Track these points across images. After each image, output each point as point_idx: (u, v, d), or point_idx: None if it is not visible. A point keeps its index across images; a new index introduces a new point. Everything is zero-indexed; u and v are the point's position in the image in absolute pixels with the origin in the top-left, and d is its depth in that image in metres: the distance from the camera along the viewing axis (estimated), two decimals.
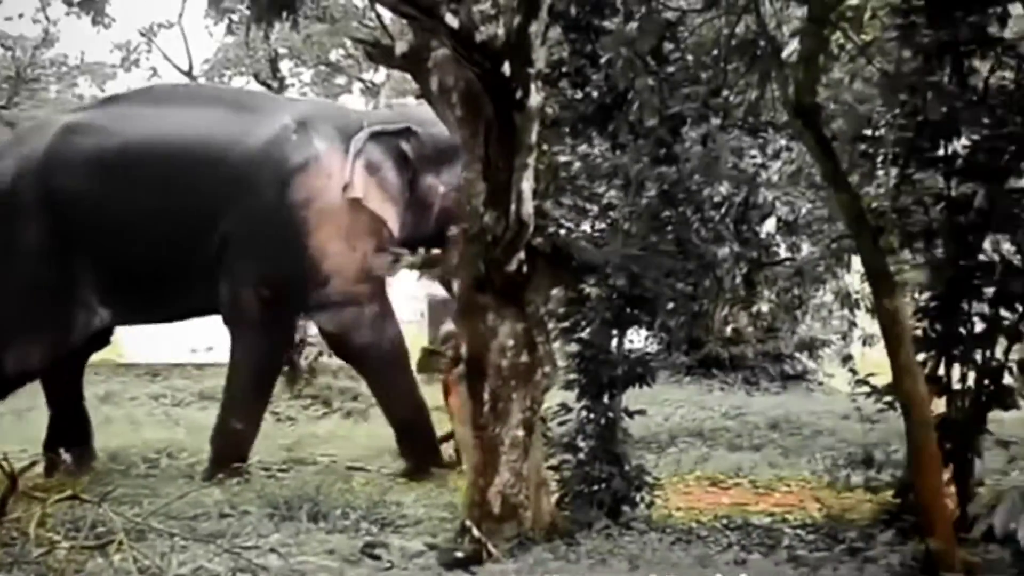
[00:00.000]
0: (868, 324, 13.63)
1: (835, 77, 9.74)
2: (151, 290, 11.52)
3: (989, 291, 8.45)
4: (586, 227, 8.92)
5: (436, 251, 9.73)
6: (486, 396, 7.46)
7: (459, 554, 7.52)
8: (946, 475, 8.38)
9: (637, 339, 15.76)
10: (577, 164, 8.03)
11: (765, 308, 17.93)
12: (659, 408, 15.40)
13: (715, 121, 8.71)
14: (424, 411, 11.91)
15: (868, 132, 9.04)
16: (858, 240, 7.66)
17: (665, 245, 8.48)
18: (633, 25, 7.46)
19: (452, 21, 6.40)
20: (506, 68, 6.59)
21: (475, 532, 7.44)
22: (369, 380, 12.38)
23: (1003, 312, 8.43)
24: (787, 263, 14.90)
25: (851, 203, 7.49)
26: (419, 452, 11.83)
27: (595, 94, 8.55)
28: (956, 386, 8.68)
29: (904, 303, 8.01)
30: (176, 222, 11.24)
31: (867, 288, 9.59)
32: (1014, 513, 4.98)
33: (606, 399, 9.22)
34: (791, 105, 7.38)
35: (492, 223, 7.01)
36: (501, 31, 6.65)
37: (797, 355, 19.71)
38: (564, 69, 8.71)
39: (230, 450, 11.39)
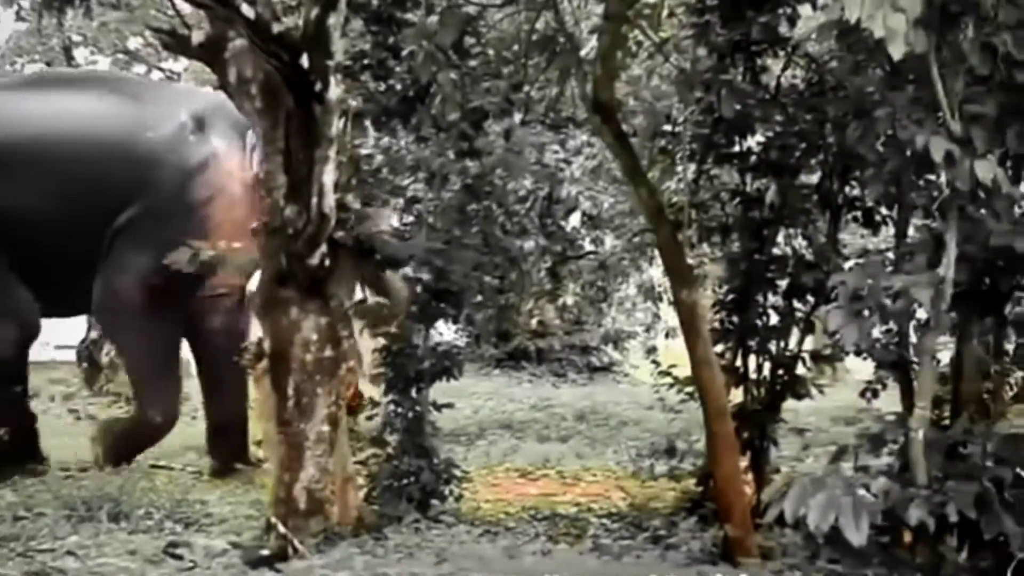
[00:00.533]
0: (672, 317, 13.94)
1: (635, 74, 9.93)
2: (64, 282, 11.31)
3: (783, 284, 8.73)
4: (394, 221, 8.87)
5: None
6: (290, 391, 7.31)
7: (264, 551, 7.36)
8: (744, 463, 8.64)
9: (447, 332, 15.76)
10: (380, 157, 7.94)
11: (571, 301, 18.21)
12: (468, 401, 15.45)
13: (517, 116, 8.74)
14: (244, 411, 11.74)
15: (667, 128, 9.24)
16: (657, 234, 7.80)
17: (470, 239, 8.48)
18: (434, 19, 7.42)
19: (248, 11, 6.25)
20: (304, 60, 6.47)
21: (280, 528, 7.30)
22: (207, 375, 12.15)
23: (796, 304, 8.71)
24: (591, 256, 15.16)
25: (650, 198, 7.62)
26: (227, 450, 11.63)
27: (398, 87, 8.49)
28: (752, 376, 8.94)
29: (702, 296, 8.20)
30: (80, 214, 10.98)
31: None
32: (803, 499, 5.13)
33: (413, 393, 9.19)
34: (589, 101, 7.46)
35: (293, 216, 6.88)
36: (300, 22, 6.52)
37: (603, 347, 20.05)
38: (367, 61, 8.61)
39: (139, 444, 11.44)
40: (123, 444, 11.45)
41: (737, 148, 8.98)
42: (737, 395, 9.02)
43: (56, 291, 11.38)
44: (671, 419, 11.82)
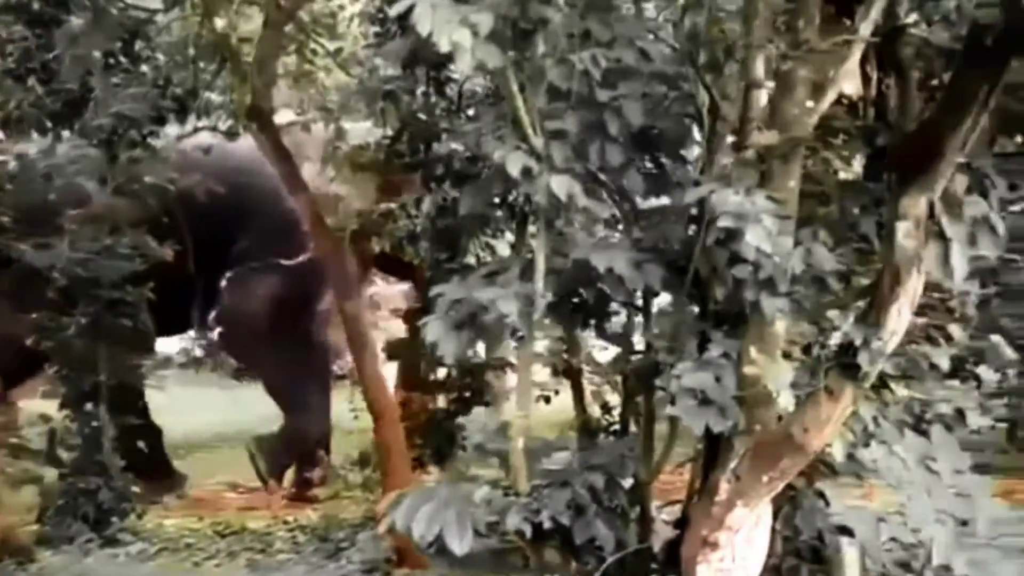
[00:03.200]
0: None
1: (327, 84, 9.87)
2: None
3: None
4: None
5: None
6: None
7: None
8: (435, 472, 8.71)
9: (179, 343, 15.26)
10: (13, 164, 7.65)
11: None
12: (199, 413, 15.11)
13: (191, 123, 8.57)
14: None
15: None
16: (317, 246, 7.76)
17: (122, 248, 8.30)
18: (80, 22, 7.18)
19: None
20: None
21: None
22: None
23: None
24: None
25: (307, 208, 7.55)
26: None
27: (63, 90, 8.19)
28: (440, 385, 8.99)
29: (364, 308, 8.16)
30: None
31: None
32: (412, 510, 5.13)
33: (89, 407, 8.89)
34: (243, 107, 7.35)
35: None
36: None
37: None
38: (31, 65, 8.28)
39: None
40: (280, 457, 11.29)
41: (422, 157, 9.03)
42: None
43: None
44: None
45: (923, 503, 4.56)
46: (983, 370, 6.41)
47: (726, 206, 4.29)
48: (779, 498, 5.06)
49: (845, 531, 5.31)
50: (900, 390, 5.18)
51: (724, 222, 4.29)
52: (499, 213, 8.69)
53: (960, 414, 7.32)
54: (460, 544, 5.09)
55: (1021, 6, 3.76)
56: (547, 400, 8.37)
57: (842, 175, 5.43)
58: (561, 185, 4.71)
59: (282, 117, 9.35)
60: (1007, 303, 15.95)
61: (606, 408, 7.14)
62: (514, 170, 4.70)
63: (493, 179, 5.03)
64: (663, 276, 4.93)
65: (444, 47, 4.42)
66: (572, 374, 6.43)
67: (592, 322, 5.30)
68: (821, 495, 5.29)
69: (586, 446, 5.48)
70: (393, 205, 9.40)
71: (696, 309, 4.97)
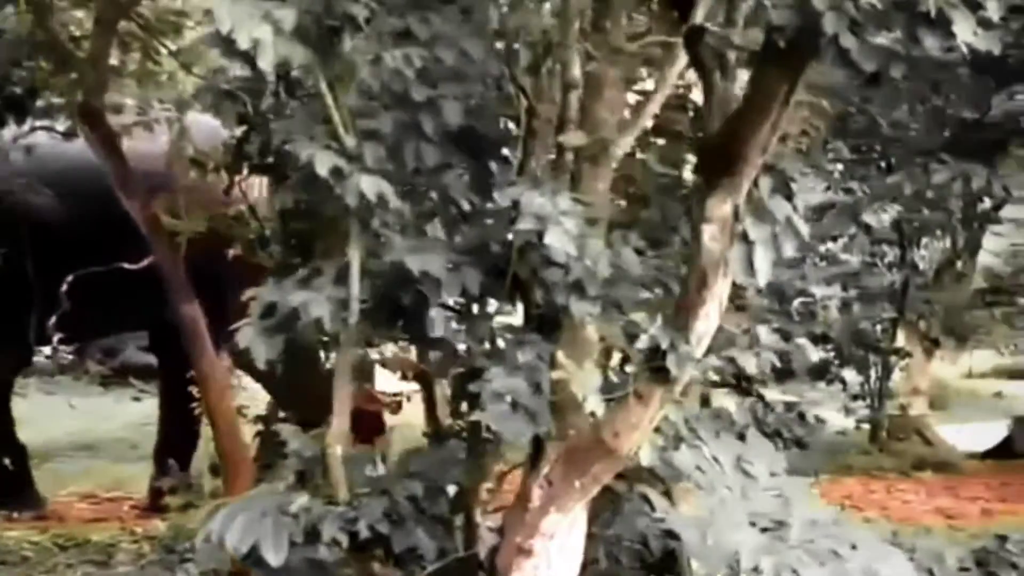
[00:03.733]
0: None
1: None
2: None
3: None
4: None
5: None
6: None
7: None
8: None
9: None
10: None
11: None
12: (60, 420, 14.73)
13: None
14: None
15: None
16: (154, 250, 7.56)
17: None
18: None
19: None
20: None
21: None
22: None
23: None
24: None
25: (140, 211, 7.36)
26: None
27: None
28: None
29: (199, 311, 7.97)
30: None
31: None
32: (228, 521, 4.99)
33: None
34: (75, 107, 7.14)
35: None
36: None
37: None
38: None
39: None
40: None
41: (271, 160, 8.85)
42: None
43: None
44: None
45: (733, 507, 4.55)
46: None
47: (529, 208, 4.24)
48: (601, 502, 5.04)
49: (672, 535, 5.30)
50: (722, 397, 5.22)
51: (524, 224, 4.24)
52: None
53: (801, 417, 7.42)
54: (275, 555, 4.98)
55: (812, 7, 3.75)
56: (397, 407, 8.27)
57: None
58: (371, 185, 4.63)
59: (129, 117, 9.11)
60: (867, 307, 16.32)
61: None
62: (322, 170, 4.61)
63: (302, 179, 4.91)
64: (483, 279, 4.86)
65: (243, 44, 4.31)
66: (423, 379, 6.34)
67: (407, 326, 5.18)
68: (645, 499, 5.27)
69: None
70: (243, 207, 9.20)
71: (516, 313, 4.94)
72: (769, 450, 5.02)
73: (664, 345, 4.32)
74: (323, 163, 4.62)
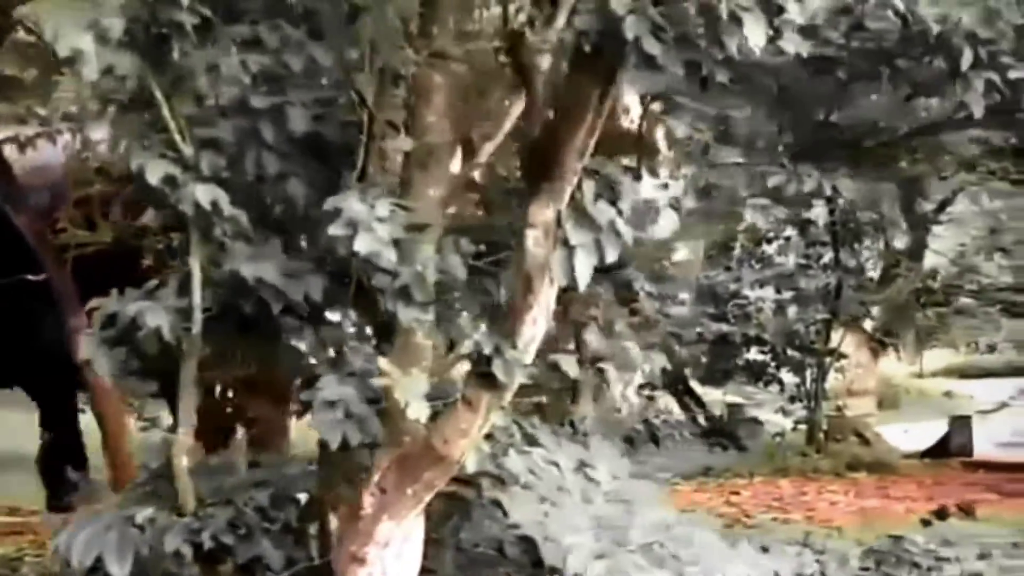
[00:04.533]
0: None
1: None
2: None
3: None
4: None
5: None
6: None
7: None
8: None
9: None
10: None
11: None
12: None
13: None
14: None
15: None
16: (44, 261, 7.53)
17: None
18: None
19: None
20: None
21: None
22: None
23: None
24: None
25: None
26: None
27: None
28: None
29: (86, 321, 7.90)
30: None
31: None
32: (74, 534, 4.96)
33: None
34: None
35: None
36: None
37: None
38: None
39: None
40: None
41: None
42: None
43: None
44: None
45: (567, 512, 4.54)
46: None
47: (346, 213, 4.22)
48: (449, 509, 5.03)
49: (527, 541, 5.29)
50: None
51: (335, 229, 4.22)
52: None
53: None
54: (119, 568, 4.95)
55: (611, 11, 3.76)
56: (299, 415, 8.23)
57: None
58: (205, 194, 4.60)
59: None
60: (801, 308, 16.41)
61: None
62: (153, 179, 4.58)
63: (137, 189, 4.88)
64: (327, 287, 4.84)
65: (63, 52, 4.28)
66: None
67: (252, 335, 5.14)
68: (497, 504, 5.24)
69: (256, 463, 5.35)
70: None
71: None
72: (613, 454, 5.00)
73: (487, 351, 4.31)
74: (154, 172, 4.59)
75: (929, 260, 21.61)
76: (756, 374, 16.56)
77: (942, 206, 19.78)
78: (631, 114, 7.27)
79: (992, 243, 21.53)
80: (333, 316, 5.16)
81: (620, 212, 4.38)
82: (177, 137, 4.71)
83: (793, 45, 3.92)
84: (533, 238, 4.33)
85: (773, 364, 16.15)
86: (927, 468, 15.84)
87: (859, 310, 16.60)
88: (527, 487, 4.56)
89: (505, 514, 5.26)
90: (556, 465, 4.75)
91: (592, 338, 5.12)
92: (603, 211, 4.33)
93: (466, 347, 4.32)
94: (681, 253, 18.92)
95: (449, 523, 5.05)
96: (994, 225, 21.25)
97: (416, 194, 4.51)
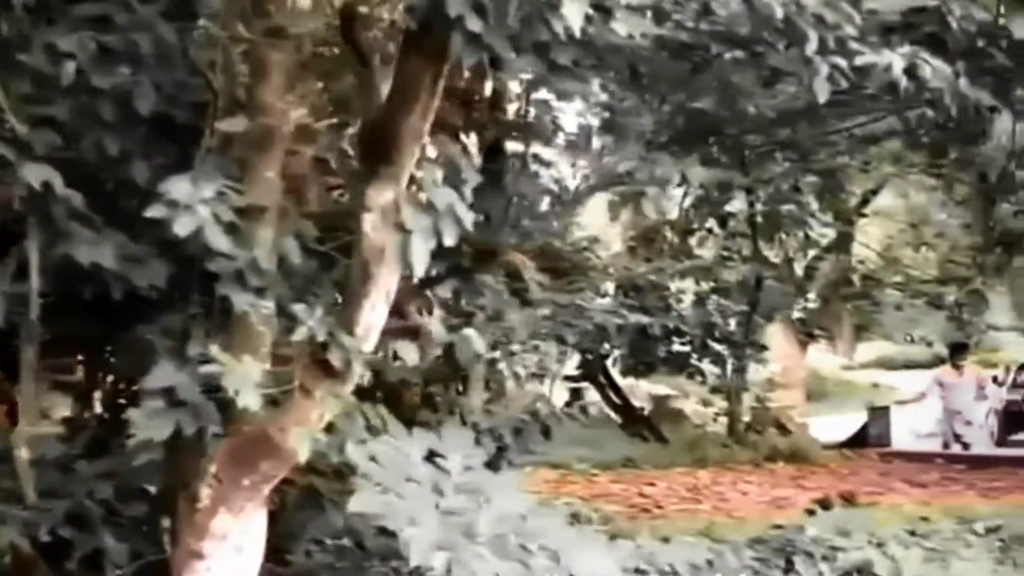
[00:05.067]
0: None
1: None
2: None
3: None
4: None
5: None
6: None
7: None
8: None
9: None
10: None
11: None
12: None
13: None
14: None
15: None
16: None
17: None
18: None
19: None
20: None
21: None
22: None
23: None
24: None
25: None
26: None
27: None
28: None
29: None
30: None
31: None
32: None
33: None
34: None
35: None
36: None
37: None
38: None
39: None
40: None
41: None
42: None
43: None
44: None
45: (412, 503, 4.42)
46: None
47: (169, 195, 4.07)
48: (306, 501, 4.91)
49: (386, 532, 5.17)
50: None
51: (154, 211, 4.08)
52: None
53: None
54: None
55: None
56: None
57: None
58: (36, 174, 4.44)
59: None
60: (722, 301, 16.40)
61: None
62: None
63: None
64: (171, 272, 4.70)
65: None
66: None
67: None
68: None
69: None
70: None
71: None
72: (466, 443, 4.89)
73: (321, 338, 4.19)
74: None
75: (858, 253, 21.74)
76: (680, 366, 16.53)
77: (866, 200, 19.92)
78: (518, 102, 7.19)
79: (916, 237, 21.72)
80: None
81: (462, 196, 4.27)
82: (11, 117, 4.54)
83: (627, 27, 3.83)
84: (371, 222, 4.22)
85: (695, 356, 16.12)
86: (844, 459, 15.89)
87: (780, 302, 16.62)
88: (367, 478, 4.43)
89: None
90: (406, 456, 4.62)
91: (436, 328, 4.97)
92: (443, 195, 4.22)
93: (300, 334, 4.19)
94: (616, 246, 18.99)
95: (302, 515, 4.92)
96: (916, 220, 21.45)
97: (254, 177, 4.37)
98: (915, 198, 20.77)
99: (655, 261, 16.14)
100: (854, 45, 4.54)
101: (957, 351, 17.14)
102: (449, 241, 4.18)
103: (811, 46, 4.44)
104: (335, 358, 4.21)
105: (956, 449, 16.31)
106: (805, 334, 21.38)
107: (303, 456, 4.25)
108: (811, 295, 20.09)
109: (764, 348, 16.48)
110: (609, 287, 16.28)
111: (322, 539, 5.04)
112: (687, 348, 16.16)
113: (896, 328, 24.98)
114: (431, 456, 4.69)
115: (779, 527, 8.57)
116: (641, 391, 19.53)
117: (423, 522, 4.42)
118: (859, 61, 4.57)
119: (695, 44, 4.83)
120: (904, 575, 8.24)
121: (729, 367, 16.12)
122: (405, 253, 4.14)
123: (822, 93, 4.62)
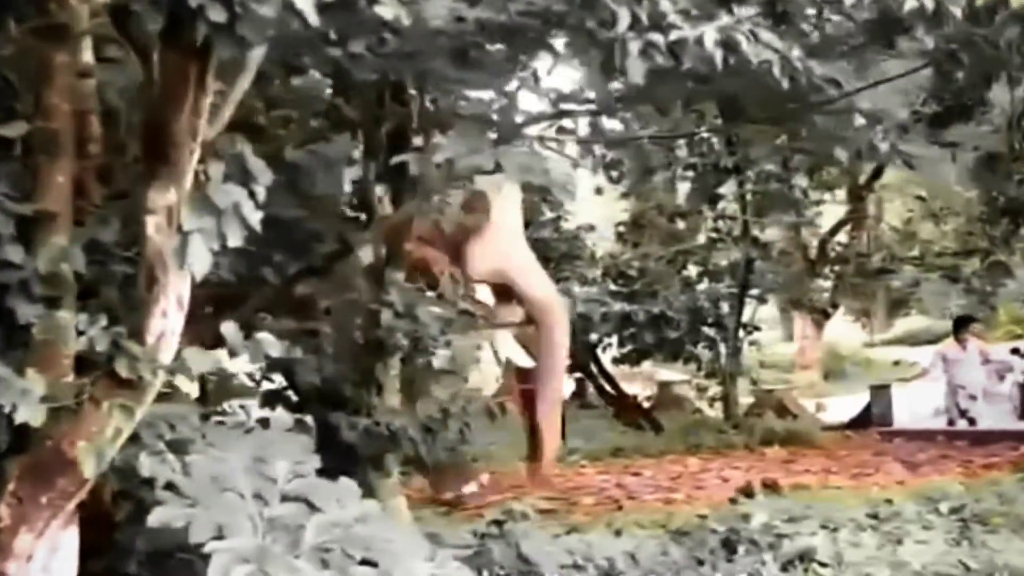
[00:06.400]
0: None
1: None
2: None
3: None
4: None
5: None
6: None
7: None
8: None
9: None
10: None
11: None
12: None
13: None
14: None
15: None
16: None
17: None
18: None
19: None
20: None
21: None
22: None
23: None
24: None
25: None
26: None
27: None
28: None
29: None
30: None
31: None
32: None
33: None
34: None
35: None
36: None
37: None
38: None
39: None
40: None
41: None
42: None
43: None
44: None
45: (223, 513, 4.24)
46: None
47: None
48: (134, 514, 4.74)
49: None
50: None
51: None
52: None
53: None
54: None
55: None
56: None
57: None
58: None
59: None
60: (712, 283, 16.11)
61: None
62: None
63: None
64: None
65: None
66: None
67: None
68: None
69: None
70: None
71: None
72: (299, 449, 4.71)
73: (102, 347, 4.02)
74: None
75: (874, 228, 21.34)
76: (673, 352, 16.26)
77: (875, 174, 19.47)
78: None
79: (928, 210, 21.28)
80: None
81: (252, 194, 4.08)
82: None
83: (391, 10, 3.62)
84: (154, 224, 4.04)
85: (689, 342, 15.83)
86: (844, 440, 15.53)
87: (772, 282, 16.29)
88: (175, 490, 4.25)
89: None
90: (224, 464, 4.44)
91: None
92: (227, 193, 4.03)
93: (79, 344, 4.02)
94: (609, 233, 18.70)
95: (133, 529, 4.75)
96: (930, 195, 21.00)
97: (44, 182, 4.21)
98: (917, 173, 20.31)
99: (643, 247, 15.87)
100: (675, 19, 4.28)
101: (961, 324, 16.66)
102: (234, 241, 3.99)
103: (623, 22, 4.20)
104: (122, 368, 4.04)
105: (962, 425, 15.83)
106: (821, 313, 21.01)
107: (89, 471, 4.09)
108: (826, 272, 19.69)
109: (756, 329, 16.15)
110: (597, 274, 16.05)
111: (154, 553, 4.87)
112: (677, 334, 15.89)
113: (933, 304, 24.52)
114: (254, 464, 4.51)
115: (701, 516, 8.33)
116: (645, 378, 19.27)
117: (235, 533, 4.25)
118: (673, 36, 4.30)
119: (514, 26, 4.58)
120: (848, 560, 7.97)
121: (723, 351, 15.81)
122: (182, 256, 3.96)
123: (636, 74, 4.35)
